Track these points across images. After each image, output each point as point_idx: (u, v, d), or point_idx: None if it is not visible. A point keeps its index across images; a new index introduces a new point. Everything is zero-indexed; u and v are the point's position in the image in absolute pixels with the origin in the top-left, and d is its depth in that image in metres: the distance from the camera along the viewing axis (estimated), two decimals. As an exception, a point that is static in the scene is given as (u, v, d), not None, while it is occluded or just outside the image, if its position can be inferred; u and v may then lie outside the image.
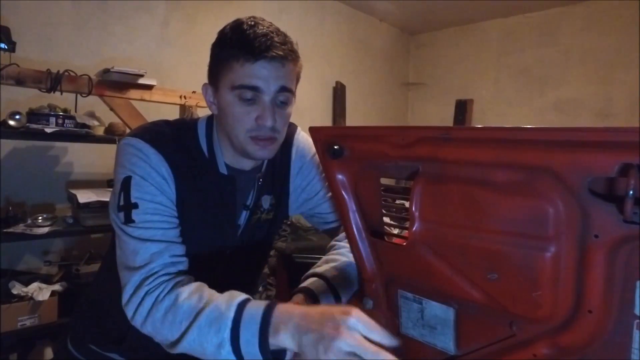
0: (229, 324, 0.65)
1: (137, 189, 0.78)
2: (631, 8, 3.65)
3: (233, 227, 0.94)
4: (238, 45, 0.79)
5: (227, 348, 0.65)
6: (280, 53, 0.79)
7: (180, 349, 0.69)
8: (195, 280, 0.78)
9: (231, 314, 0.66)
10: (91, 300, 1.03)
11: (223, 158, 0.90)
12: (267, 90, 0.81)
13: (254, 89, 0.80)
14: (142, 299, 0.73)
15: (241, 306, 0.67)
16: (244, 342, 0.64)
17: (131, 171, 0.79)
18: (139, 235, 0.77)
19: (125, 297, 0.76)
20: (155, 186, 0.79)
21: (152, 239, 0.77)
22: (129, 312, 0.75)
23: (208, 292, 0.72)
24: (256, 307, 0.66)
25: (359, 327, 0.58)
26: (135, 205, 0.77)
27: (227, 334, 0.65)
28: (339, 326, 0.57)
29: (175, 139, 0.86)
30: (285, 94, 0.83)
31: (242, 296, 0.70)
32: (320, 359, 0.57)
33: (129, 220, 0.77)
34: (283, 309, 0.65)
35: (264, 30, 0.80)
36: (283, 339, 0.62)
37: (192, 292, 0.71)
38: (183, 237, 0.87)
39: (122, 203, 0.78)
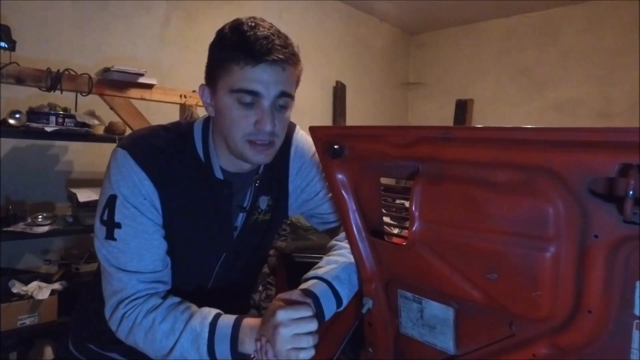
0: (205, 342, 0.77)
1: (121, 210, 0.81)
2: (631, 8, 3.65)
3: (230, 229, 0.93)
4: (238, 47, 0.77)
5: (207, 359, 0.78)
6: (282, 57, 0.78)
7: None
8: (183, 286, 0.89)
9: (205, 334, 0.77)
10: (90, 299, 1.02)
11: (219, 161, 0.89)
12: (267, 95, 0.79)
13: (254, 93, 0.79)
14: (121, 320, 0.81)
15: (213, 325, 0.78)
16: (219, 353, 0.77)
17: (117, 190, 0.82)
18: (114, 261, 0.82)
19: (106, 313, 0.83)
20: (137, 207, 0.82)
21: (125, 269, 0.81)
22: (112, 327, 0.83)
23: (180, 313, 0.80)
24: (225, 325, 0.78)
25: (286, 316, 0.72)
26: (119, 225, 0.82)
27: (204, 350, 0.77)
28: (276, 325, 0.72)
29: (169, 148, 0.86)
30: (285, 98, 0.82)
31: (211, 314, 0.80)
32: (282, 349, 0.71)
33: (110, 237, 0.82)
34: (246, 325, 0.78)
35: (265, 33, 0.78)
36: (248, 348, 0.77)
37: (167, 314, 0.80)
38: (179, 243, 0.88)
39: (105, 218, 0.82)
